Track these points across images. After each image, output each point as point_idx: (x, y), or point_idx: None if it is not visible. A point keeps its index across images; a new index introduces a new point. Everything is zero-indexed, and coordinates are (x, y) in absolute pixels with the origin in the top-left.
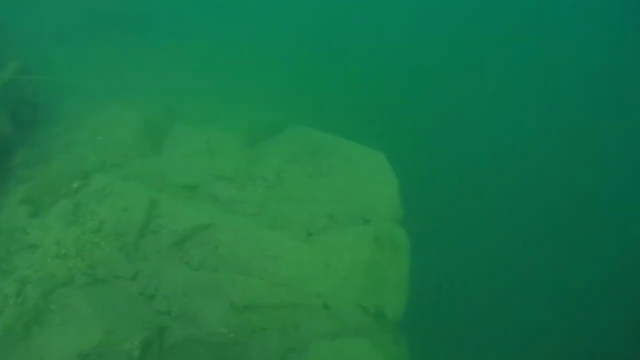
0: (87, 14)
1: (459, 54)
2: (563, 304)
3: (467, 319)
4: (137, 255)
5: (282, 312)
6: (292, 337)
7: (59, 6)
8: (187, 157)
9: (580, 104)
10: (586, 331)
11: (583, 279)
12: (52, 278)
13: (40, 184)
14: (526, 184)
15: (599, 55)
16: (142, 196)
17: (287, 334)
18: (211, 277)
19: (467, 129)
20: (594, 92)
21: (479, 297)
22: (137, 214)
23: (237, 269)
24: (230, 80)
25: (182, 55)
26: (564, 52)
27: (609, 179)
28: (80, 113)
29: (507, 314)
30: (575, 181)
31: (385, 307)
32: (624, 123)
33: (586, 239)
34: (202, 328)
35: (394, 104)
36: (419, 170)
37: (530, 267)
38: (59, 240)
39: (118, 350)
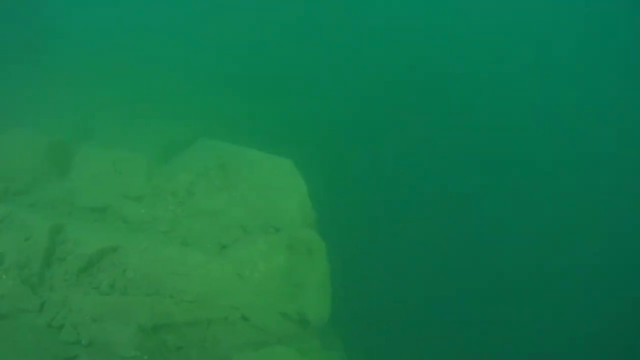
0: None
1: (361, 57)
2: (470, 294)
3: (391, 315)
4: (43, 285)
5: (197, 329)
6: (211, 352)
7: None
8: (95, 179)
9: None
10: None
11: (487, 269)
12: None
13: None
14: (429, 180)
15: None
16: (44, 224)
17: (206, 350)
18: (120, 301)
19: (373, 132)
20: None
21: (400, 292)
22: (40, 242)
23: (146, 290)
24: (138, 97)
25: (86, 75)
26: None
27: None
28: None
29: (427, 307)
30: (473, 181)
31: (307, 312)
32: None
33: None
34: (113, 354)
35: (302, 112)
36: (329, 174)
37: (438, 257)
38: None
39: None
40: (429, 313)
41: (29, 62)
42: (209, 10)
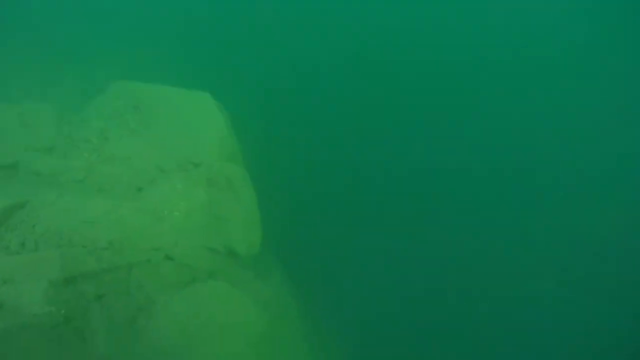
0: None
1: None
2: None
3: (327, 237)
4: None
5: (118, 275)
6: (136, 296)
7: None
8: (1, 135)
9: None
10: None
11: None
12: None
13: None
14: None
15: None
16: None
17: (131, 295)
18: (30, 258)
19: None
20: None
21: (336, 215)
22: None
23: (57, 243)
24: (50, 41)
25: None
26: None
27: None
28: None
29: (354, 235)
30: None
31: (235, 244)
32: None
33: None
34: (26, 313)
35: (221, 40)
36: (250, 103)
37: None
38: None
39: None
40: (364, 232)
41: None
42: None
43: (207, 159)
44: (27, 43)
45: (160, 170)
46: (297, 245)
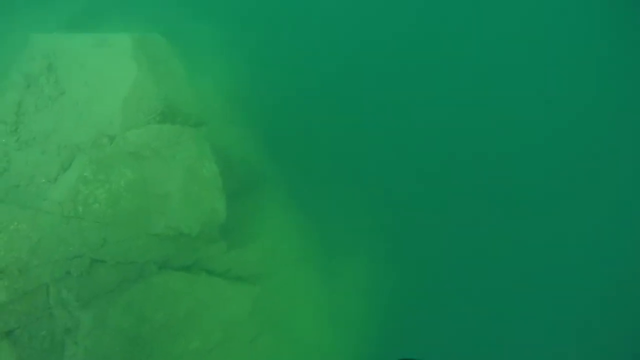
0: None
1: None
2: None
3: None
4: None
5: (32, 300)
6: (60, 318)
7: None
8: None
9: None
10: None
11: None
12: None
13: None
14: None
15: None
16: None
17: (54, 317)
18: None
19: None
20: None
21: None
22: None
23: None
24: None
25: None
26: None
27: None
28: None
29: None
30: None
31: (184, 222)
32: None
33: None
34: None
35: None
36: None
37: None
38: None
39: None
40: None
41: None
42: None
43: (122, 126)
44: None
45: (78, 148)
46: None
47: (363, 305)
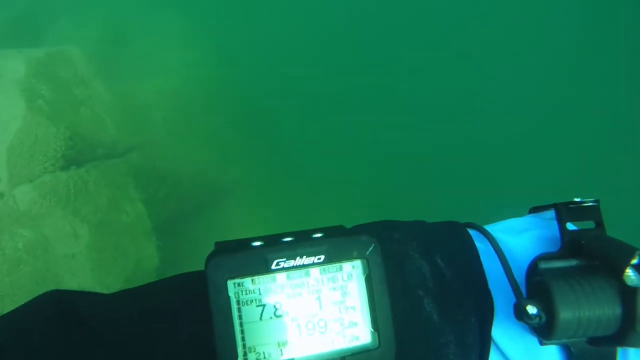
0: None
1: None
2: None
3: None
4: None
5: None
6: None
7: None
8: None
9: None
10: None
11: None
12: None
13: None
14: None
15: None
16: None
17: None
18: None
19: None
20: None
21: None
22: None
23: None
24: None
25: None
26: None
27: None
28: None
29: None
30: None
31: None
32: None
33: None
34: None
35: None
36: None
37: None
38: None
39: None
40: None
41: None
42: None
43: (9, 183)
44: None
45: None
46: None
47: None
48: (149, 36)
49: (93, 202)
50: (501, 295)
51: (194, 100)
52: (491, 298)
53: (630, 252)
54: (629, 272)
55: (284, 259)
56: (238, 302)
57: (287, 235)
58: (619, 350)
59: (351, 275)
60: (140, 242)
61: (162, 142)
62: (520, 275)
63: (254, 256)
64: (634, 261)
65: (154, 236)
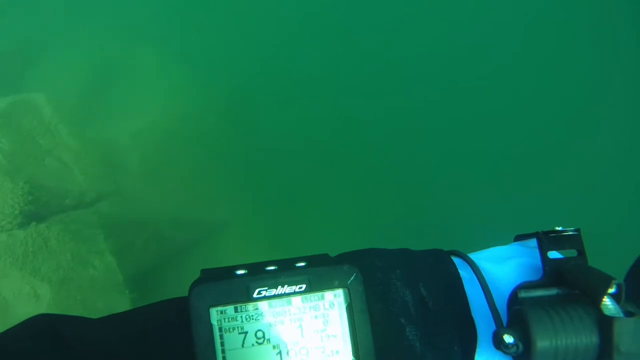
0: None
1: None
2: None
3: None
4: None
5: None
6: None
7: None
8: None
9: None
10: None
11: None
12: None
13: None
14: None
15: None
16: None
17: None
18: None
19: None
20: None
21: None
22: None
23: None
24: None
25: None
26: None
27: None
28: None
29: None
30: None
31: None
32: None
33: None
34: None
35: None
36: None
37: None
38: None
39: None
40: None
41: None
42: None
43: None
44: None
45: None
46: None
47: None
48: (124, 76)
49: (54, 259)
50: (484, 324)
51: (173, 139)
52: (474, 326)
53: (607, 281)
54: (606, 301)
55: (266, 288)
56: (220, 330)
57: (271, 263)
58: None
59: (333, 304)
60: (111, 296)
61: (138, 187)
62: (503, 304)
63: (236, 285)
64: (611, 290)
65: (126, 288)
